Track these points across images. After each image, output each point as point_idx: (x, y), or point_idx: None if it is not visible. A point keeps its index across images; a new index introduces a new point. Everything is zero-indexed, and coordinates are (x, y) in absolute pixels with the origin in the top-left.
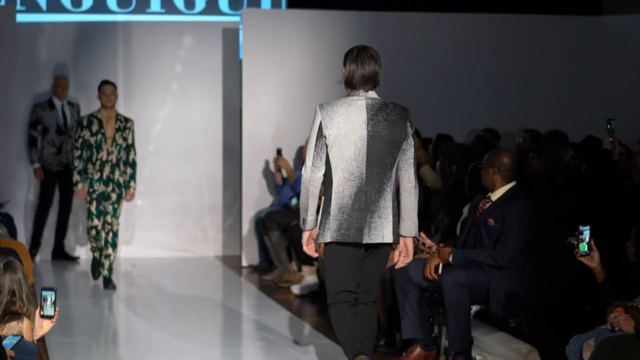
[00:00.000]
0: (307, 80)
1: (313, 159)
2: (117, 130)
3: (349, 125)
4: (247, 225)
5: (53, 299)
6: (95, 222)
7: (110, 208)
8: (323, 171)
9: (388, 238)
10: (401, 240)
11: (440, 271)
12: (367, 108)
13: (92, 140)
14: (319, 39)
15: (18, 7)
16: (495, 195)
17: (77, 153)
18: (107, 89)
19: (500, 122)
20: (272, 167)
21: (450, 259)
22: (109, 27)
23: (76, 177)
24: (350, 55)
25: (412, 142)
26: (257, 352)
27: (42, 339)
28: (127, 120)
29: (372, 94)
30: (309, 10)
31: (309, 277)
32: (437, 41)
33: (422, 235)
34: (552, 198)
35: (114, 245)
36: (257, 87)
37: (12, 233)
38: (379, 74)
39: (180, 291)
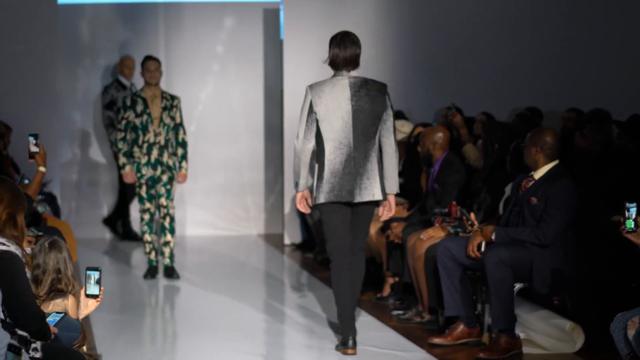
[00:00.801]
0: None
1: (304, 132)
2: (164, 109)
3: (335, 102)
4: (289, 204)
5: (97, 278)
6: (147, 204)
7: (162, 190)
8: (313, 143)
9: (378, 196)
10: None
11: (482, 249)
12: (350, 86)
13: (137, 121)
14: (359, 18)
15: None
16: (538, 174)
17: (121, 135)
18: (150, 64)
19: (544, 101)
20: None
21: (493, 237)
22: (150, 9)
23: (122, 159)
24: (335, 41)
25: (391, 113)
26: (299, 329)
27: (86, 317)
28: (173, 97)
29: (354, 73)
30: None
31: None
32: (476, 19)
33: (472, 215)
34: (596, 176)
35: (172, 231)
36: (297, 67)
37: (56, 212)
38: (359, 56)
39: (223, 269)
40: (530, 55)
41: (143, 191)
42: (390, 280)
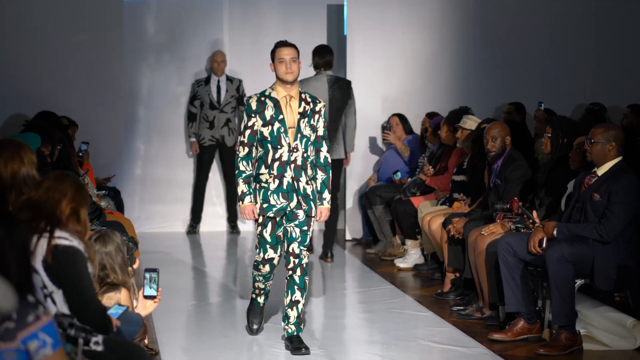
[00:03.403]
0: (410, 55)
1: None
2: (302, 115)
3: (318, 91)
4: (351, 199)
5: (155, 279)
6: (271, 254)
7: (296, 232)
8: None
9: (342, 154)
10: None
11: (544, 245)
12: (327, 82)
13: (266, 131)
14: (422, 14)
15: None
16: (601, 171)
17: (243, 152)
18: (285, 51)
19: (607, 96)
20: (380, 142)
21: (554, 233)
22: (214, 3)
23: (241, 187)
24: (315, 52)
25: (354, 100)
26: (360, 324)
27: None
28: (315, 100)
29: (330, 72)
30: None
31: (412, 250)
32: (540, 15)
33: (534, 213)
34: None
35: (303, 287)
36: (361, 63)
37: (119, 207)
38: (332, 61)
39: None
40: (592, 50)
41: (267, 232)
42: (451, 276)
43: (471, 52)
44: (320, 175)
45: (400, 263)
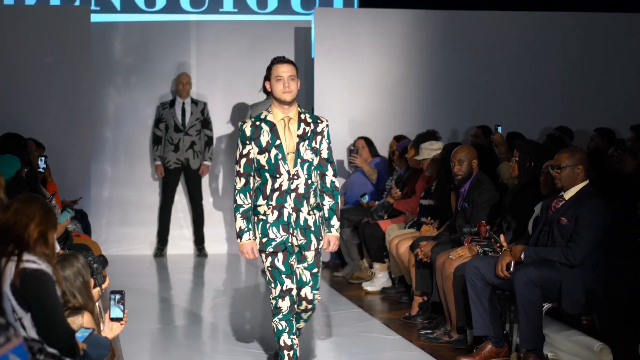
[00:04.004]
0: (378, 78)
1: None
2: (302, 138)
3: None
4: None
5: (121, 300)
6: (288, 284)
7: (306, 275)
8: None
9: None
10: None
11: (512, 269)
12: None
13: (263, 159)
14: (390, 38)
15: (92, 7)
16: (568, 194)
17: (240, 184)
18: (282, 68)
19: (574, 121)
20: (346, 165)
21: (522, 257)
22: (181, 27)
23: (239, 222)
24: (266, 77)
25: None
26: (328, 348)
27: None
28: (316, 120)
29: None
30: (381, 9)
31: (380, 274)
32: (507, 39)
33: (501, 237)
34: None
35: (306, 321)
36: (329, 86)
37: (86, 229)
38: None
39: (251, 287)
40: (560, 74)
41: (280, 260)
42: (419, 299)
43: (439, 75)
44: (328, 201)
45: (368, 286)
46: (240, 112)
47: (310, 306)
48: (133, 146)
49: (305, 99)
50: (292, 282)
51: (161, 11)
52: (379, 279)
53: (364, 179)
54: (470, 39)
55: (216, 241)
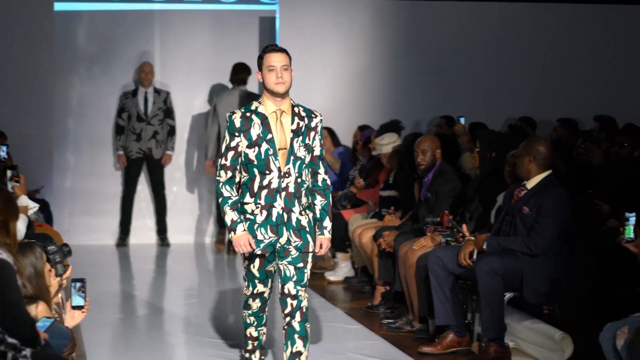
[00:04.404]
0: (342, 68)
1: None
2: (296, 134)
3: (231, 106)
4: None
5: (82, 289)
6: (260, 288)
7: (290, 270)
8: None
9: None
10: None
11: (474, 257)
12: (239, 96)
13: (252, 153)
14: (355, 28)
15: None
16: (530, 184)
17: (225, 176)
18: (275, 58)
19: (538, 111)
20: None
21: (484, 247)
22: (145, 16)
23: (230, 215)
24: (232, 69)
25: None
26: None
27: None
28: (310, 114)
29: (243, 87)
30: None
31: (343, 263)
32: (472, 30)
33: (464, 227)
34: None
35: (305, 336)
36: (293, 75)
37: (48, 219)
38: (246, 78)
39: (214, 276)
40: (522, 65)
41: (255, 267)
42: (381, 289)
43: (403, 65)
44: (320, 201)
45: (331, 276)
46: (203, 102)
47: (295, 303)
48: (96, 136)
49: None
50: (265, 286)
51: (125, 0)
52: (342, 269)
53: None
54: (435, 29)
55: (179, 231)
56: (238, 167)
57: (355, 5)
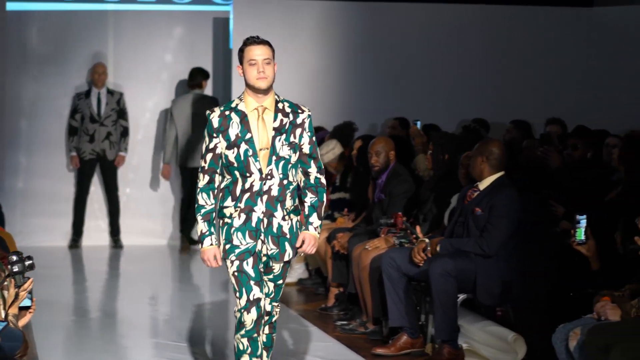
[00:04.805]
0: (296, 70)
1: None
2: (278, 131)
3: (184, 109)
4: None
5: (28, 289)
6: (257, 292)
7: (269, 287)
8: None
9: None
10: None
11: (427, 252)
12: (192, 99)
13: (231, 155)
14: (308, 29)
15: None
16: (482, 185)
17: (203, 181)
18: (256, 51)
19: (491, 113)
20: None
21: (438, 249)
22: (99, 16)
23: (200, 226)
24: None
25: None
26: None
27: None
28: (296, 110)
29: (197, 91)
30: (299, 1)
31: (296, 265)
32: (425, 31)
33: (418, 229)
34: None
35: (270, 346)
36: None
37: (0, 220)
38: (202, 82)
39: (167, 279)
40: (477, 67)
41: (249, 264)
42: (335, 291)
43: (357, 66)
44: (310, 198)
45: None
46: (157, 103)
47: (267, 318)
48: (48, 137)
49: (223, 91)
50: (261, 291)
51: (79, 0)
52: (296, 270)
53: None
54: (388, 31)
55: (132, 232)
56: (218, 170)
57: (310, 6)
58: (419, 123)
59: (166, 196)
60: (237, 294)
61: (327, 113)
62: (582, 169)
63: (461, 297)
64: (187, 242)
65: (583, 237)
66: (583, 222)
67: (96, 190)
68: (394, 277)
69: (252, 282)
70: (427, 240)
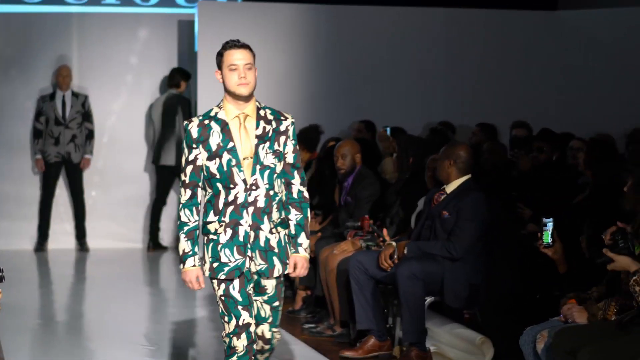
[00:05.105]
0: (262, 73)
1: None
2: (262, 139)
3: (156, 106)
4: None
5: None
6: (246, 317)
7: (266, 310)
8: None
9: None
10: None
11: (395, 258)
12: (166, 97)
13: (213, 166)
14: (274, 32)
15: None
16: (449, 188)
17: (185, 196)
18: (236, 55)
19: (457, 116)
20: None
21: (405, 252)
22: (63, 19)
23: (182, 245)
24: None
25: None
26: (210, 342)
27: None
28: (278, 117)
29: (173, 90)
30: (265, 3)
31: None
32: (391, 35)
33: (384, 231)
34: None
35: None
36: (212, 79)
37: None
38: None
39: (134, 282)
40: (442, 70)
41: (235, 289)
42: (302, 294)
43: (323, 70)
44: (295, 215)
45: None
46: (122, 105)
47: (267, 347)
48: (13, 139)
49: (188, 93)
50: (251, 316)
51: (42, 2)
52: None
53: None
54: (354, 34)
55: (98, 236)
56: (200, 183)
57: (275, 9)
58: (388, 129)
59: (132, 199)
60: (226, 319)
61: (292, 116)
62: (548, 172)
63: (429, 299)
64: (153, 245)
65: (550, 240)
66: (550, 225)
67: (62, 193)
68: (362, 280)
69: (239, 307)
70: (394, 243)
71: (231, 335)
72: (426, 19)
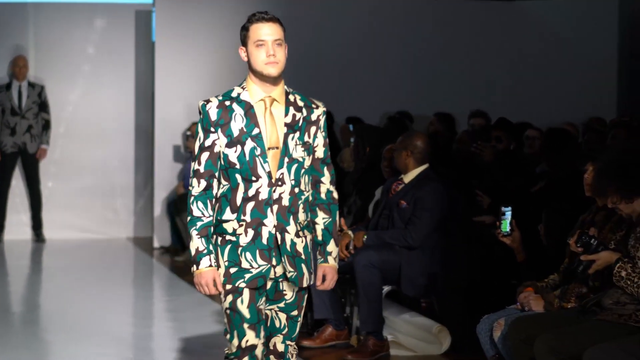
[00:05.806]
0: (219, 64)
1: None
2: (291, 128)
3: None
4: (158, 207)
5: None
6: (251, 338)
7: (281, 320)
8: None
9: None
10: None
11: (351, 248)
12: None
13: (233, 154)
14: (231, 23)
15: None
16: (407, 178)
17: (198, 188)
18: (265, 29)
19: (415, 105)
20: (183, 150)
21: (364, 241)
22: (19, 9)
23: (195, 242)
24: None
25: None
26: (168, 333)
27: None
28: (310, 104)
29: None
30: None
31: None
32: (348, 23)
33: (342, 221)
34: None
35: None
36: (169, 70)
37: None
38: None
39: (91, 272)
40: (400, 59)
41: (244, 303)
42: None
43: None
44: (323, 219)
45: None
46: (79, 96)
47: (278, 357)
48: None
49: (146, 83)
50: (257, 336)
51: None
52: None
53: None
54: (311, 22)
55: (54, 226)
56: (216, 173)
57: (230, 0)
58: (351, 126)
59: (88, 190)
60: (228, 336)
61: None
62: (506, 160)
63: (386, 288)
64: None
65: (508, 229)
66: (508, 214)
67: (18, 184)
68: None
69: (245, 326)
70: (350, 233)
71: (232, 357)
72: (382, 7)
